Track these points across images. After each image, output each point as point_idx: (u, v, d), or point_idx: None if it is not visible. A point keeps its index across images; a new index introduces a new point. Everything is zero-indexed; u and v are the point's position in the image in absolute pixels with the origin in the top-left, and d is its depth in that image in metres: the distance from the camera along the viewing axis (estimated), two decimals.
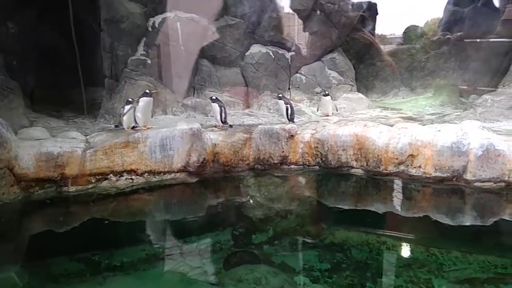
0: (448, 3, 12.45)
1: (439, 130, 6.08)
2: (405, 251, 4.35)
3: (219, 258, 4.15)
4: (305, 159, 6.83)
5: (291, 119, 7.54)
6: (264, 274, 3.80)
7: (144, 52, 8.91)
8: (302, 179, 6.69)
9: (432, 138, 5.98)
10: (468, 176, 5.72)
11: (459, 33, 11.55)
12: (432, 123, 7.26)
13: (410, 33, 12.95)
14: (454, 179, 5.84)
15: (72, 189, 5.75)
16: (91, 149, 5.94)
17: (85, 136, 6.58)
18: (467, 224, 5.04)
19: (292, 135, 6.88)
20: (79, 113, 9.03)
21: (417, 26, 13.10)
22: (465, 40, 11.24)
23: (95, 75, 9.07)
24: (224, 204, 5.82)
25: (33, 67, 9.13)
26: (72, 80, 8.92)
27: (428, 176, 5.95)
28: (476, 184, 5.67)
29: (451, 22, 12.04)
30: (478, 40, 10.82)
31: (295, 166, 6.87)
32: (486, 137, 5.70)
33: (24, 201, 5.42)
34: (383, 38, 15.50)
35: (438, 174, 5.88)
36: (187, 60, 9.25)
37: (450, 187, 5.81)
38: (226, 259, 4.13)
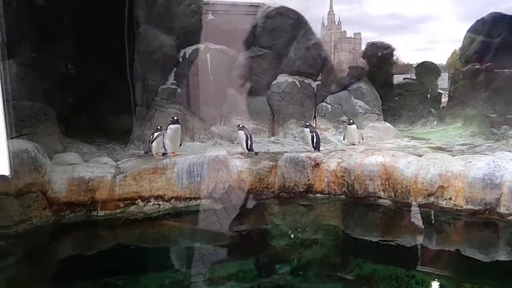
0: (470, 31, 12.34)
1: (470, 161, 5.92)
2: (435, 286, 4.18)
3: None
4: (331, 188, 6.76)
5: (316, 148, 7.52)
6: None
7: (175, 82, 9.24)
8: (327, 208, 6.60)
9: (463, 169, 5.82)
10: (502, 210, 5.49)
11: (488, 63, 11.39)
12: (462, 154, 7.09)
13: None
14: (487, 212, 5.62)
15: (101, 213, 5.89)
16: (121, 175, 6.11)
17: (116, 161, 6.78)
18: (500, 260, 4.80)
19: (317, 164, 6.85)
20: (111, 139, 9.34)
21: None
22: (495, 70, 11.06)
23: (126, 103, 9.43)
24: (248, 232, 5.79)
25: (84, 102, 9.78)
26: (106, 108, 9.44)
27: (459, 208, 5.75)
28: (510, 218, 5.43)
29: (480, 52, 11.89)
30: (507, 70, 10.62)
31: (321, 195, 6.80)
32: None
33: (55, 224, 5.57)
34: (409, 67, 15.46)
35: (469, 206, 5.69)
36: (215, 89, 9.51)
37: (483, 220, 5.58)
38: None
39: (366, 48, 13.14)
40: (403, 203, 6.11)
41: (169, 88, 9.15)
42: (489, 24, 11.78)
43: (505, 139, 8.00)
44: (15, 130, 6.73)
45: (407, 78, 14.22)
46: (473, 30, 12.25)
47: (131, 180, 6.09)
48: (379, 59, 12.33)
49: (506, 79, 10.70)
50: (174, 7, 9.32)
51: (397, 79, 13.84)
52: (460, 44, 12.83)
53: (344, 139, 9.06)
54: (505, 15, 11.64)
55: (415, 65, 15.24)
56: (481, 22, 12.09)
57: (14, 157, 5.30)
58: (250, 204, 6.58)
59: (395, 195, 6.21)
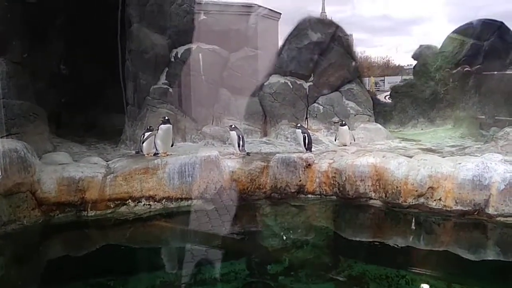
0: (457, 33, 12.46)
1: (459, 163, 5.98)
2: (425, 286, 4.22)
3: None
4: (322, 189, 6.79)
5: (308, 148, 7.55)
6: None
7: (166, 81, 9.20)
8: (319, 209, 6.62)
9: (453, 170, 5.88)
10: (490, 211, 5.56)
11: (478, 66, 11.51)
12: (452, 155, 7.16)
13: (429, 65, 12.93)
14: (476, 213, 5.68)
15: (91, 213, 5.83)
16: (112, 175, 6.06)
17: (106, 161, 6.73)
18: (489, 260, 4.86)
19: (309, 164, 6.87)
20: (101, 139, 9.27)
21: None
22: (485, 72, 11.19)
23: (117, 102, 9.37)
24: (240, 233, 5.79)
25: (76, 101, 9.76)
26: (99, 107, 9.39)
27: (448, 209, 5.81)
28: (498, 219, 5.51)
29: (470, 55, 12.01)
30: (496, 72, 10.76)
31: (312, 196, 6.82)
32: (508, 171, 5.57)
33: (45, 224, 5.51)
34: (401, 69, 15.58)
35: (459, 207, 5.75)
36: (207, 89, 9.49)
37: (472, 221, 5.65)
38: None
39: (419, 49, 13.15)
40: (394, 204, 6.16)
41: (161, 88, 9.11)
42: (478, 28, 11.92)
43: (494, 141, 8.08)
44: (4, 129, 6.65)
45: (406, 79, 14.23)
46: (462, 33, 12.35)
47: (121, 180, 6.05)
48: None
49: (495, 81, 10.84)
50: (166, 6, 9.28)
51: (393, 80, 13.88)
52: (450, 47, 12.88)
53: (335, 140, 9.09)
54: (493, 20, 11.81)
55: (405, 67, 15.33)
56: (470, 26, 12.21)
57: (3, 157, 5.23)
58: (242, 204, 6.57)
59: (385, 196, 6.25)
